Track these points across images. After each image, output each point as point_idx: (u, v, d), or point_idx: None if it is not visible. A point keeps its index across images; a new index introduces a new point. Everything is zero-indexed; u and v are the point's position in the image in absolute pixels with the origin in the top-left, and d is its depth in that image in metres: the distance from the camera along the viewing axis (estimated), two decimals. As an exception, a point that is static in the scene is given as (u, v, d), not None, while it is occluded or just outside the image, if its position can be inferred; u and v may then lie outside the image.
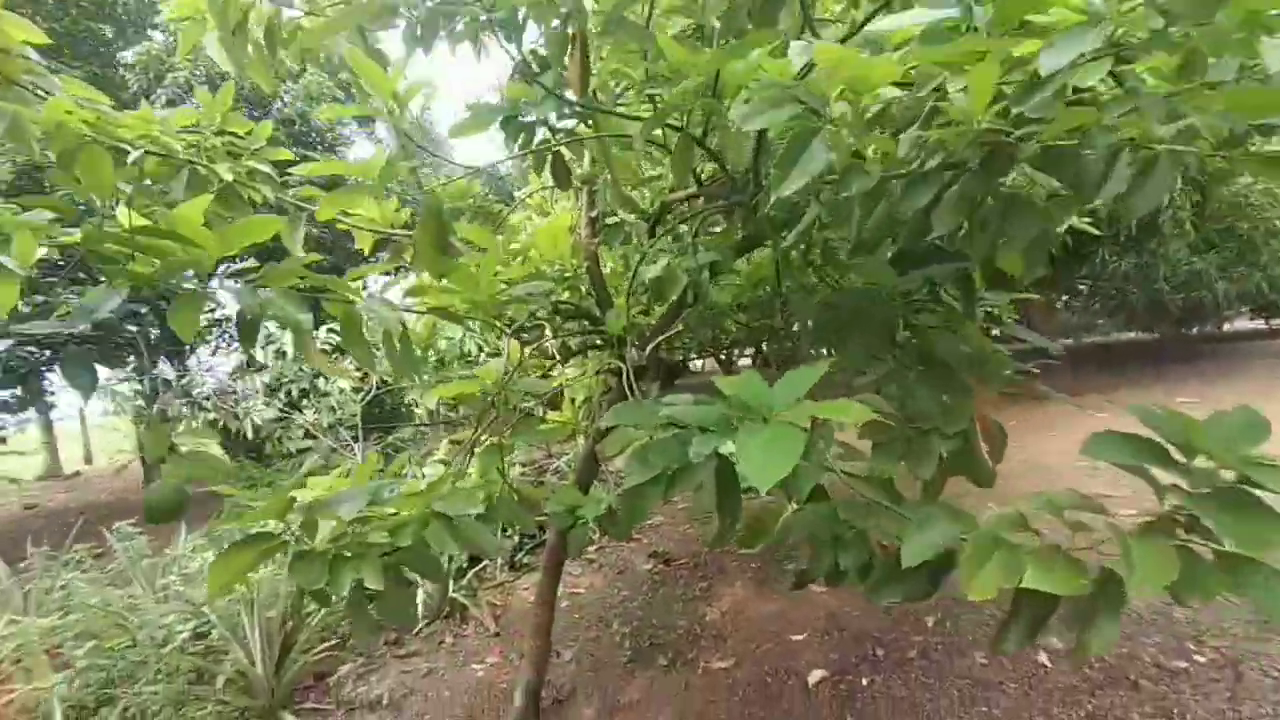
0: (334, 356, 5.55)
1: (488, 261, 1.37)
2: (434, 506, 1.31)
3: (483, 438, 1.86)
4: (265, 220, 1.33)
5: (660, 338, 2.12)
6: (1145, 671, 2.56)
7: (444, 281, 1.59)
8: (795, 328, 2.64)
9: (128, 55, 8.39)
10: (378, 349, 1.66)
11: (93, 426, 17.63)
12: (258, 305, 1.30)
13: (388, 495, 1.74)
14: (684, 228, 2.09)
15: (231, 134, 2.15)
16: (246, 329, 1.42)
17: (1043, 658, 2.71)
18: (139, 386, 6.93)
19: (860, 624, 3.18)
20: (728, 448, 0.91)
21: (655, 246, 1.74)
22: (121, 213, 1.35)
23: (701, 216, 1.96)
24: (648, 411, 1.07)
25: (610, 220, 2.61)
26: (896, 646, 2.95)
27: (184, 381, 5.70)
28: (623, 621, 3.52)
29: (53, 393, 10.57)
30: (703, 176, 2.01)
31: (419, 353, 2.29)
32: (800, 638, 3.15)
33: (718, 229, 2.25)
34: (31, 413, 10.86)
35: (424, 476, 3.17)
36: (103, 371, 9.27)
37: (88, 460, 17.33)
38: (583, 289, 2.48)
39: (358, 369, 5.24)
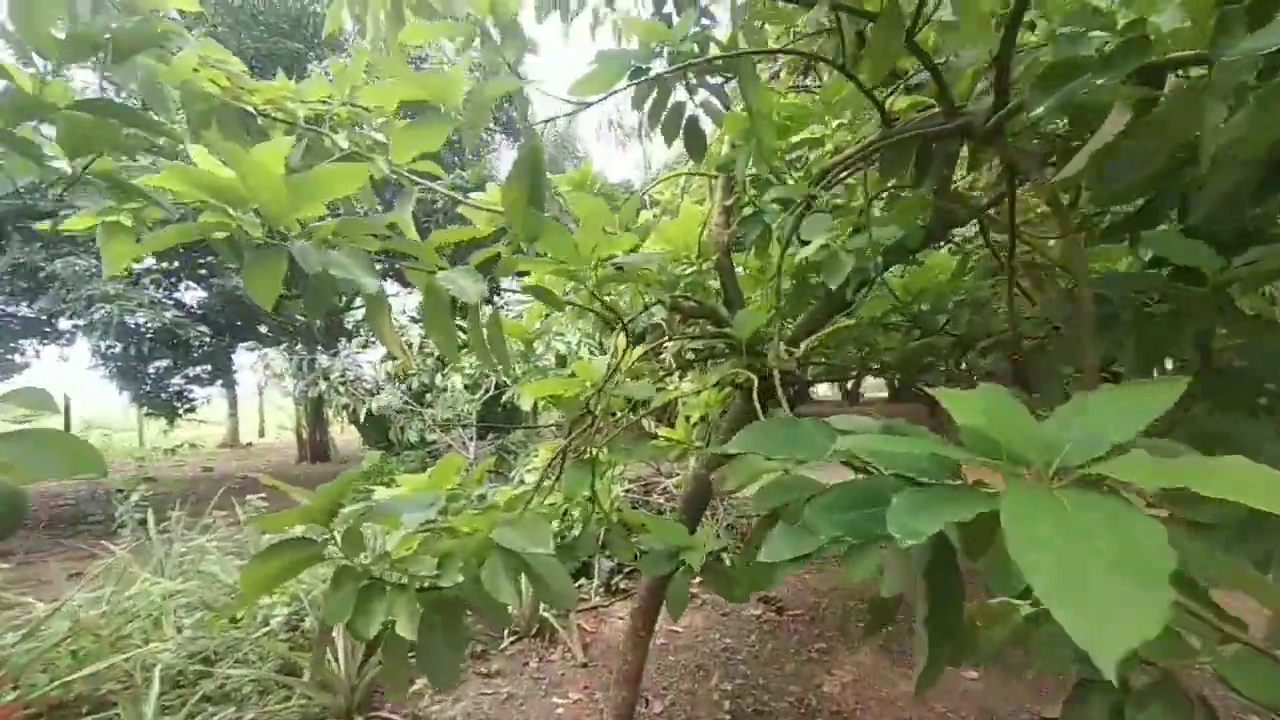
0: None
1: (591, 221, 1.07)
2: (495, 535, 1.01)
3: (574, 448, 1.55)
4: (346, 169, 1.12)
5: (811, 340, 1.70)
6: None
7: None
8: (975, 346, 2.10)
9: (316, 69, 9.47)
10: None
11: (268, 404, 20.13)
12: (319, 264, 1.09)
13: (462, 506, 1.50)
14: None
15: (360, 107, 2.08)
16: (313, 292, 1.23)
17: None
18: (288, 368, 7.61)
19: (1028, 730, 2.48)
20: (950, 518, 0.50)
21: (810, 218, 1.35)
22: (198, 155, 1.21)
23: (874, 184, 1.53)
24: (802, 437, 0.68)
25: (746, 212, 2.25)
26: (1087, 778, 2.24)
27: (326, 368, 6.13)
28: (724, 675, 3.07)
29: (236, 371, 12.12)
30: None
31: (517, 347, 2.05)
32: (946, 736, 2.52)
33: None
34: (219, 388, 12.47)
35: (522, 484, 2.96)
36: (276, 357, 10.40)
37: (261, 433, 19.83)
38: (712, 287, 2.13)
39: (475, 365, 5.26)
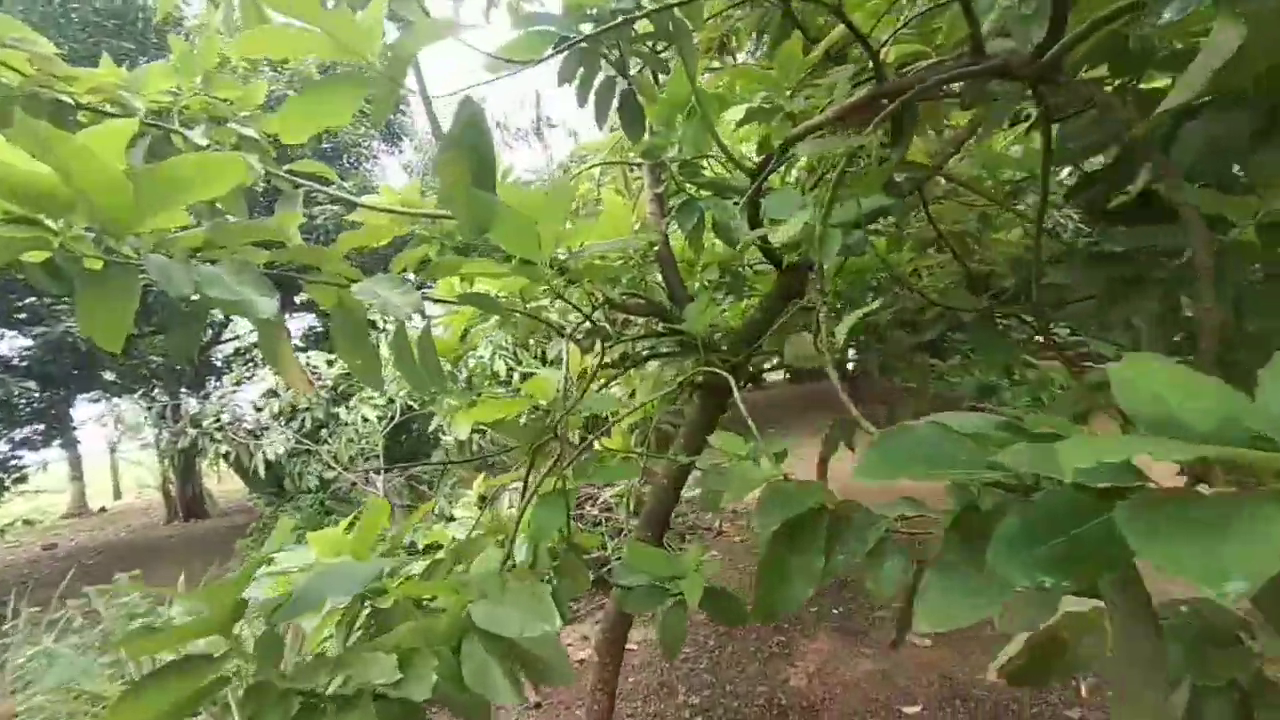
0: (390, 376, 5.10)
1: (553, 206, 0.87)
2: (476, 616, 0.78)
3: (532, 478, 1.34)
4: (216, 159, 0.84)
5: (772, 330, 1.58)
6: None
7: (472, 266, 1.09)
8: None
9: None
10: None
11: (123, 461, 17.60)
12: (190, 283, 0.81)
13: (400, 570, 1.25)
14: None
15: (219, 98, 1.72)
16: (183, 325, 0.94)
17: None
18: (146, 418, 6.59)
19: (990, 692, 2.55)
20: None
21: (775, 194, 1.23)
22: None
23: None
24: (948, 448, 0.50)
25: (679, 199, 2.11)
26: (1050, 725, 2.32)
27: (195, 413, 5.33)
28: (690, 688, 2.93)
29: (76, 428, 10.41)
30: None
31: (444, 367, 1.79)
32: (915, 710, 2.53)
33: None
34: (57, 449, 10.68)
35: (453, 521, 2.66)
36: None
37: (116, 495, 17.28)
38: (653, 282, 1.97)
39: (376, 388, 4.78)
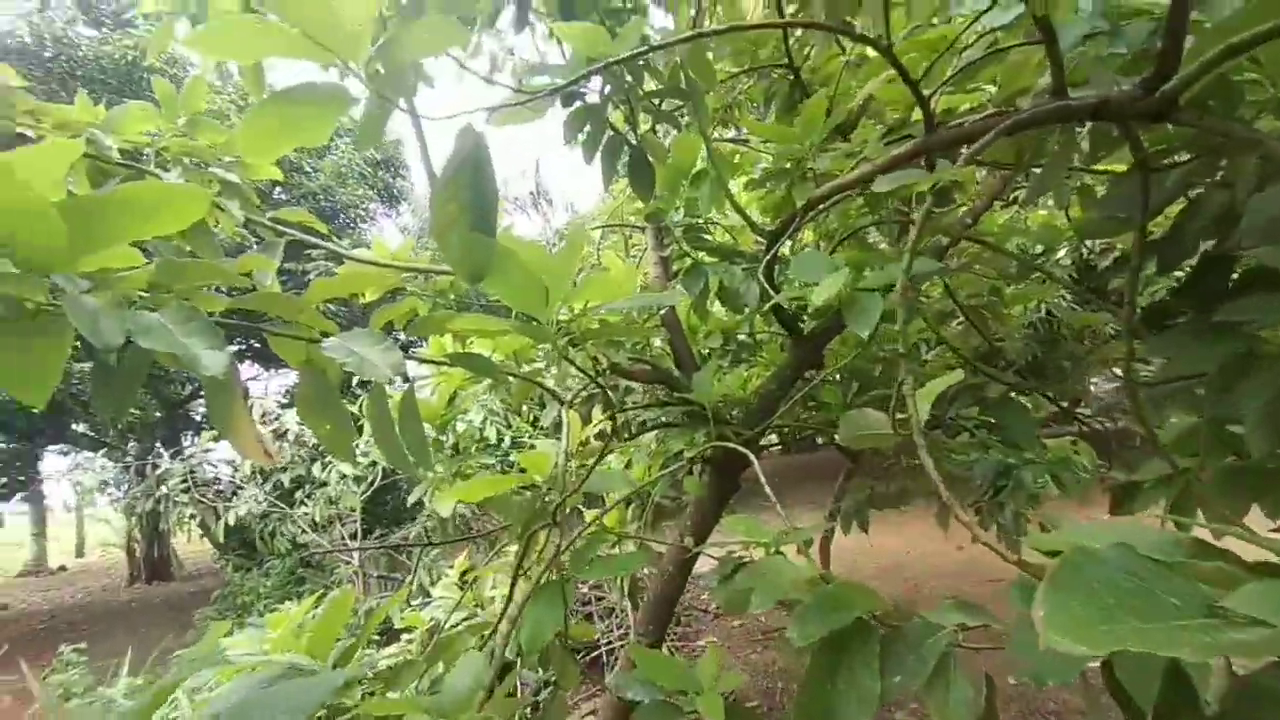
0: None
1: (562, 261, 0.75)
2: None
3: (527, 565, 1.15)
4: (173, 190, 0.72)
5: (787, 404, 1.43)
6: None
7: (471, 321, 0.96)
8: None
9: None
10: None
11: (90, 518, 16.85)
12: (120, 331, 0.66)
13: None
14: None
15: (198, 142, 1.63)
16: (116, 380, 0.78)
17: None
18: (113, 473, 6.26)
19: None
20: None
21: (800, 256, 1.11)
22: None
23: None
24: (1170, 593, 0.35)
25: (684, 264, 2.02)
26: None
27: (164, 472, 5.04)
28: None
29: (42, 481, 9.95)
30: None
31: (430, 436, 1.63)
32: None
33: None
34: (19, 503, 10.18)
35: (430, 601, 2.42)
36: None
37: (79, 553, 16.42)
38: (659, 348, 1.85)
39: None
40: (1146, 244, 1.07)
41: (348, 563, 4.81)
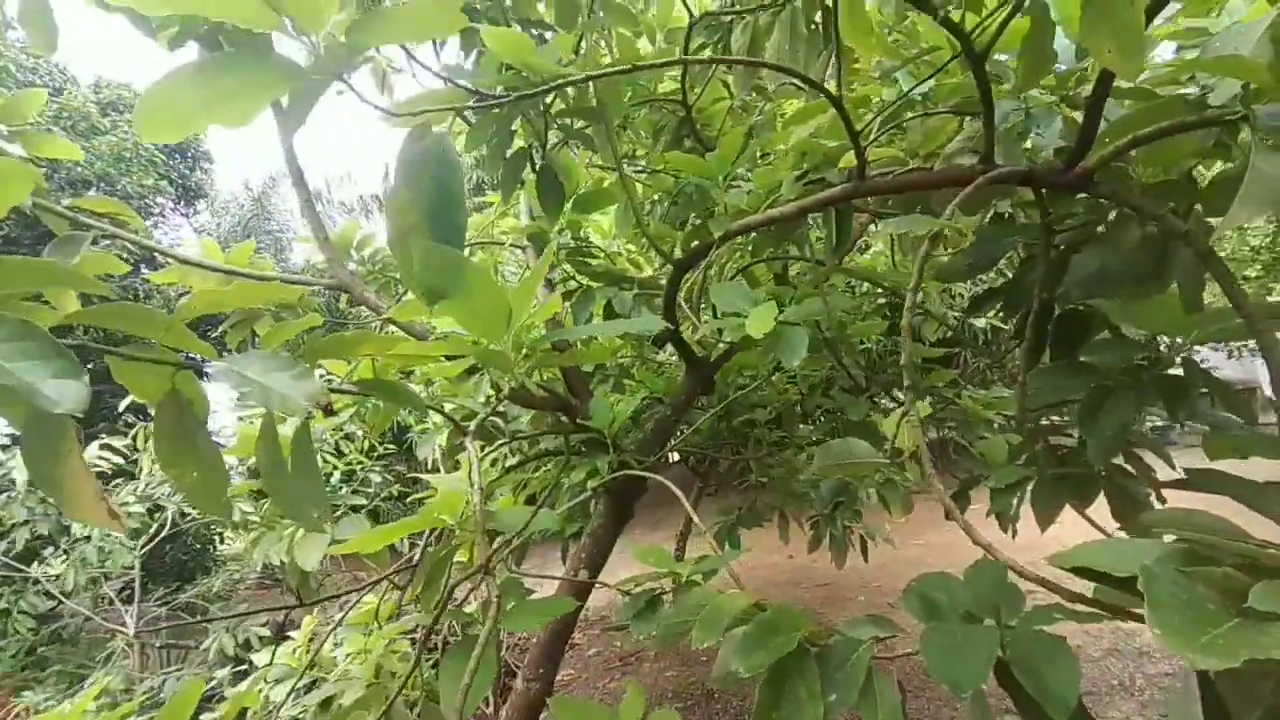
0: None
1: (527, 284, 0.67)
2: None
3: (443, 622, 1.01)
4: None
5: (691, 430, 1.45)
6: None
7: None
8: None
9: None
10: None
11: None
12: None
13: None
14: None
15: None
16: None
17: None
18: None
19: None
20: None
21: (720, 286, 1.14)
22: None
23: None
24: None
25: (571, 286, 1.98)
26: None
27: None
28: None
29: None
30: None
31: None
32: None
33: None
34: None
35: (244, 673, 2.05)
36: None
37: None
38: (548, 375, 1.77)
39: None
40: (995, 291, 1.28)
41: (121, 633, 3.87)
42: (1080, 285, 1.12)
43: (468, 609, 1.14)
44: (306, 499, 0.78)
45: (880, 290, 2.55)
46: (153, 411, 0.74)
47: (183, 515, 4.39)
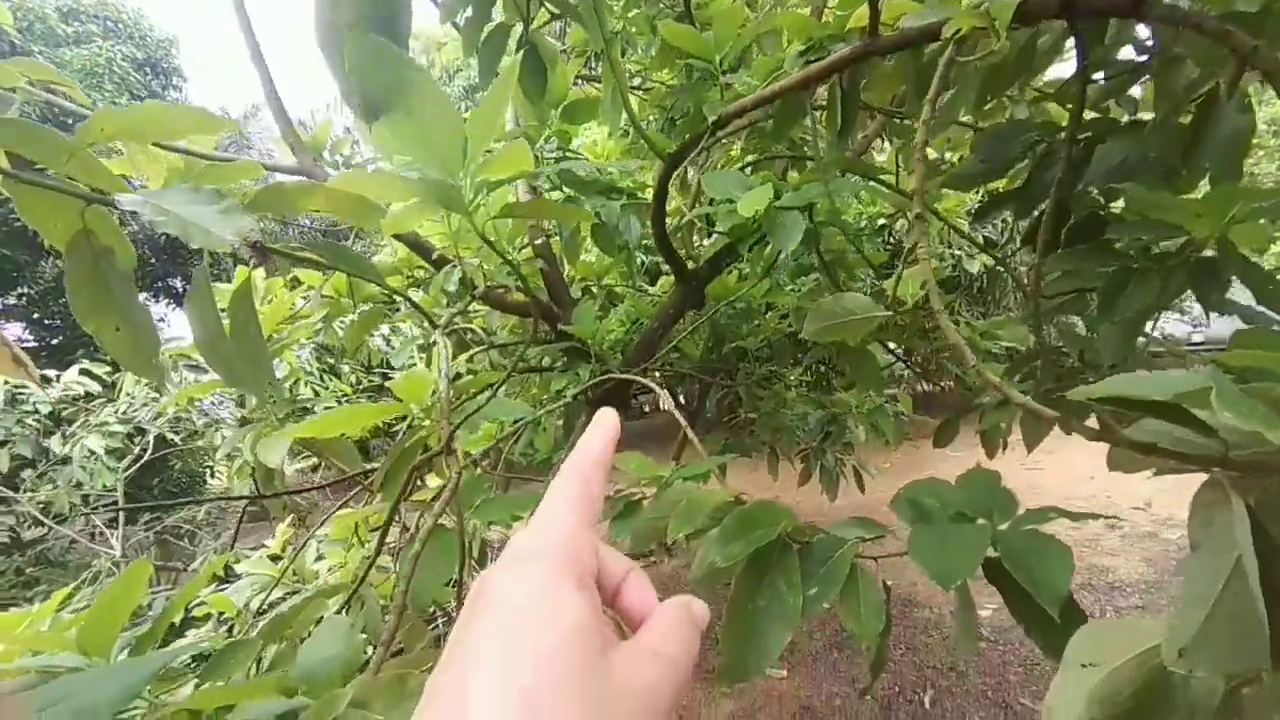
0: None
1: (488, 109, 0.58)
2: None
3: (403, 510, 0.96)
4: None
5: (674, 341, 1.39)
6: None
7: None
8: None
9: None
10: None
11: None
12: None
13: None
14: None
15: None
16: None
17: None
18: None
19: (845, 715, 2.57)
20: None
21: (713, 174, 1.04)
22: None
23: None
24: None
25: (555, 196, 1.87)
26: (904, 745, 2.37)
27: None
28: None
29: None
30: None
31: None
32: (780, 747, 2.45)
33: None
34: None
35: (228, 583, 2.03)
36: None
37: None
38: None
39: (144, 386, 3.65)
40: (1004, 195, 1.19)
41: (107, 554, 3.89)
42: (1104, 178, 1.03)
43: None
44: (247, 363, 0.71)
45: (882, 215, 2.44)
46: (65, 260, 0.65)
47: (165, 441, 4.35)
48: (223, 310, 0.71)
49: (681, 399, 3.84)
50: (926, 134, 0.64)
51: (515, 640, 0.21)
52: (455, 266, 1.27)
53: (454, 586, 0.85)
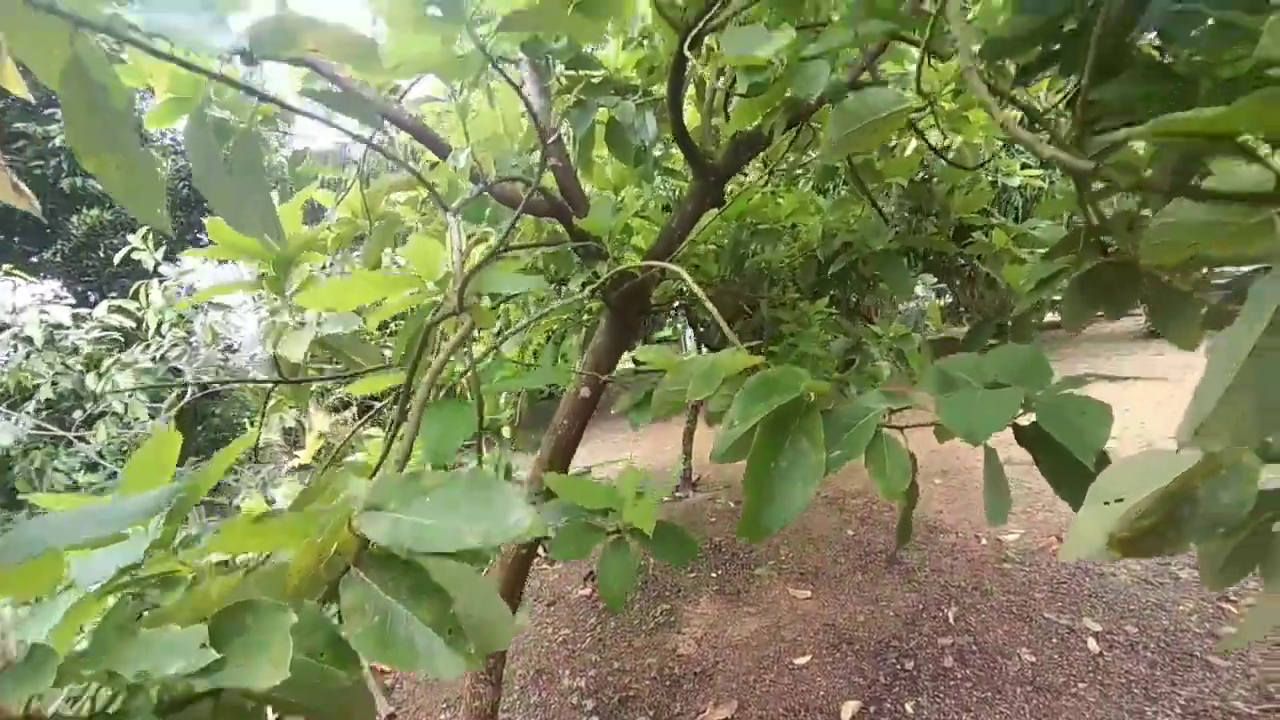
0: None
1: None
2: (365, 526, 0.43)
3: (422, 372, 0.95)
4: None
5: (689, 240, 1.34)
6: (1209, 646, 2.23)
7: None
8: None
9: None
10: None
11: None
12: None
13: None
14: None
15: None
16: None
17: (1091, 645, 2.31)
18: None
19: (870, 633, 2.61)
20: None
21: (734, 29, 0.98)
22: None
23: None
24: None
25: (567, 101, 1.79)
26: (927, 655, 2.40)
27: None
28: (574, 672, 2.64)
29: None
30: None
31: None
32: (805, 661, 2.50)
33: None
34: None
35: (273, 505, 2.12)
36: None
37: None
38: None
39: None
40: (1047, 56, 1.09)
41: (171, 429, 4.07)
42: (1164, 15, 0.94)
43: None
44: (249, 203, 0.69)
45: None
46: (60, 95, 0.64)
47: (203, 389, 4.49)
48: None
49: (701, 328, 3.79)
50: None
51: None
52: (463, 148, 1.23)
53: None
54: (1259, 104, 0.39)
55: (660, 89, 1.68)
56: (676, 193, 2.83)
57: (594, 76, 1.79)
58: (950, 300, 6.87)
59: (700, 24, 1.14)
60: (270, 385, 1.26)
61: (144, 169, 0.67)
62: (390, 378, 0.89)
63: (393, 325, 2.46)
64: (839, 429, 0.93)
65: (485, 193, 1.25)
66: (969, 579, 2.89)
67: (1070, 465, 0.79)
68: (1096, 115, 0.81)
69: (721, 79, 1.50)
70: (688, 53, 1.11)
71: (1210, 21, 0.79)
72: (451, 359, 0.86)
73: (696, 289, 1.09)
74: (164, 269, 3.57)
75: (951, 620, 2.58)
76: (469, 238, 1.46)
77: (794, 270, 2.66)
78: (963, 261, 2.84)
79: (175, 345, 3.61)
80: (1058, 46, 1.06)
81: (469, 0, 0.60)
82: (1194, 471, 0.56)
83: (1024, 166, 3.06)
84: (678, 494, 4.86)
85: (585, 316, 2.19)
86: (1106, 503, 0.66)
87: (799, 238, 2.54)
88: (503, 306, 1.89)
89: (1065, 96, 1.30)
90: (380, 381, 0.87)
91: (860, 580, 3.06)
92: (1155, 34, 0.96)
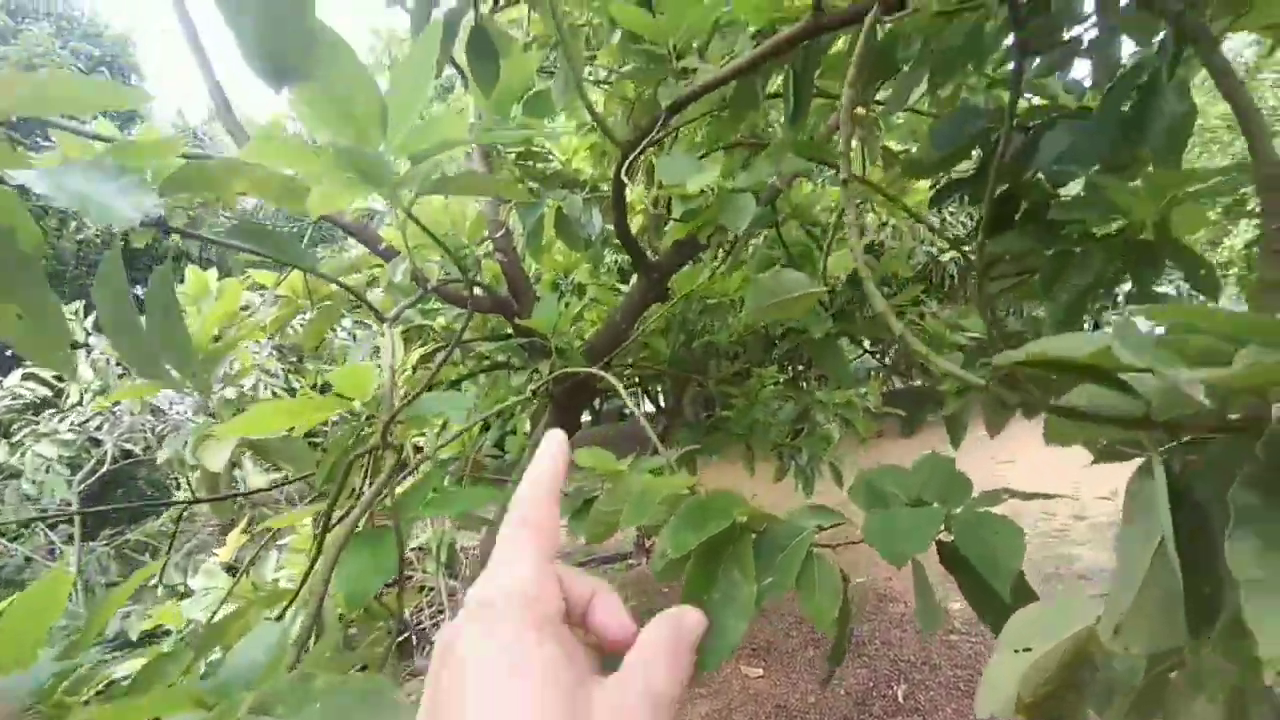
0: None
1: (413, 72, 0.54)
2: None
3: (342, 508, 0.92)
4: None
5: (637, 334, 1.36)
6: None
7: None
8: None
9: None
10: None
11: None
12: None
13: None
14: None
15: None
16: None
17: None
18: None
19: (821, 714, 2.56)
20: None
21: (666, 157, 1.02)
22: None
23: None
24: None
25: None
26: (879, 739, 2.37)
27: None
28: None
29: None
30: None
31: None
32: (759, 747, 2.43)
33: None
34: None
35: (187, 598, 1.96)
36: None
37: None
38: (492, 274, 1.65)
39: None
40: (958, 180, 1.19)
41: (66, 571, 3.73)
42: (1050, 164, 1.04)
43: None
44: (166, 348, 0.67)
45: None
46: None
47: (125, 455, 4.20)
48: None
49: (661, 400, 3.82)
50: (850, 109, 0.62)
51: (486, 698, 0.21)
52: (403, 258, 1.24)
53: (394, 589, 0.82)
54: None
55: (607, 179, 1.75)
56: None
57: (545, 169, 1.85)
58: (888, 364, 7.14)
59: (641, 145, 1.19)
60: (184, 505, 1.19)
61: (47, 314, 0.64)
62: (308, 510, 0.85)
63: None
64: (772, 551, 0.94)
65: (426, 294, 1.25)
66: (918, 653, 2.89)
67: (992, 592, 0.82)
68: (994, 260, 0.88)
69: (659, 200, 1.56)
70: (625, 178, 1.16)
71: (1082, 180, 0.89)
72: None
73: (622, 390, 1.10)
74: (93, 340, 3.39)
75: (901, 699, 2.57)
76: (406, 336, 1.44)
77: (743, 346, 2.72)
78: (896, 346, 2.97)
79: (97, 414, 3.39)
80: (969, 175, 1.16)
81: (390, 168, 0.61)
82: (1085, 637, 0.58)
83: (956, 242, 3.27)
84: (630, 561, 4.77)
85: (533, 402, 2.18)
86: (1016, 650, 0.68)
87: (743, 319, 2.62)
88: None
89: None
90: (299, 515, 0.84)
91: (812, 655, 3.02)
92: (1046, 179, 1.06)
